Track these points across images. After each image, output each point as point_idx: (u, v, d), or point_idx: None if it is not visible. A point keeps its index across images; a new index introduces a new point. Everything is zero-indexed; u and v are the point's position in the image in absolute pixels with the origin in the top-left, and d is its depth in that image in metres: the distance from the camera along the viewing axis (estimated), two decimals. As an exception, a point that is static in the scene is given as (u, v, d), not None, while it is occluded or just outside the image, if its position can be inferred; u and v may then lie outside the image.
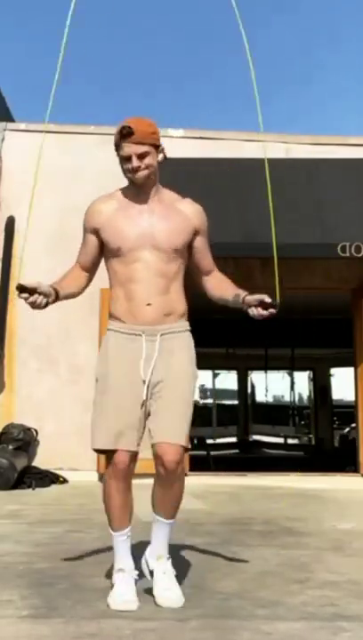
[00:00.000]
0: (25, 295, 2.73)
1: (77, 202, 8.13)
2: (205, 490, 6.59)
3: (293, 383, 23.23)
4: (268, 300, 2.84)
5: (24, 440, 7.28)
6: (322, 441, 18.40)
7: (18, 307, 7.86)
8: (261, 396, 26.47)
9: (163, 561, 2.85)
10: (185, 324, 2.95)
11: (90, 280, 3.04)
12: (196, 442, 11.89)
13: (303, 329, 14.03)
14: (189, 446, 2.89)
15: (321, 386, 19.53)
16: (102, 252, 2.98)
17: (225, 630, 2.44)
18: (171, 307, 2.89)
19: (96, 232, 2.96)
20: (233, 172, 6.94)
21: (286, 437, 23.93)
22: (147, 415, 2.83)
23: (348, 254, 6.98)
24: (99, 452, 2.88)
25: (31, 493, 6.58)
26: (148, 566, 2.90)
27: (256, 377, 23.57)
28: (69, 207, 7.87)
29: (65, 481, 7.26)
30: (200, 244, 3.02)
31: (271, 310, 2.82)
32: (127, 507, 2.87)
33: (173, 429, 2.79)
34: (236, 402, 22.05)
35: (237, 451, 18.37)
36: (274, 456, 17.39)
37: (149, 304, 2.84)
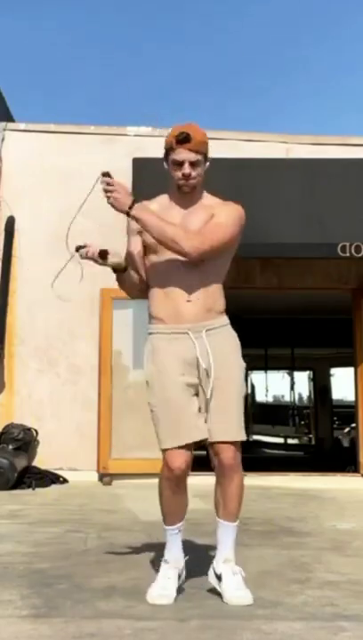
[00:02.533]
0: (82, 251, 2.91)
1: (77, 201, 8.20)
2: (206, 490, 6.55)
3: (293, 383, 23.26)
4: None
5: (24, 440, 7.28)
6: (322, 441, 18.41)
7: (18, 307, 7.86)
8: (261, 396, 26.48)
9: (231, 564, 2.88)
10: (226, 319, 2.98)
11: (143, 283, 3.04)
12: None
13: (303, 329, 14.04)
14: (245, 438, 2.95)
15: (321, 386, 19.54)
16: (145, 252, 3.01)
17: (225, 630, 2.44)
18: (211, 304, 2.91)
19: (140, 233, 2.98)
20: (232, 172, 6.94)
21: (286, 437, 23.94)
22: (201, 410, 2.86)
23: (348, 254, 6.99)
24: (164, 452, 2.88)
25: (31, 493, 6.58)
26: (214, 572, 2.91)
27: (256, 377, 23.59)
28: (69, 207, 7.86)
29: (65, 481, 7.25)
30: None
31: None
32: (181, 505, 2.92)
33: (229, 428, 2.86)
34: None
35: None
36: (274, 456, 17.39)
37: (188, 300, 2.87)
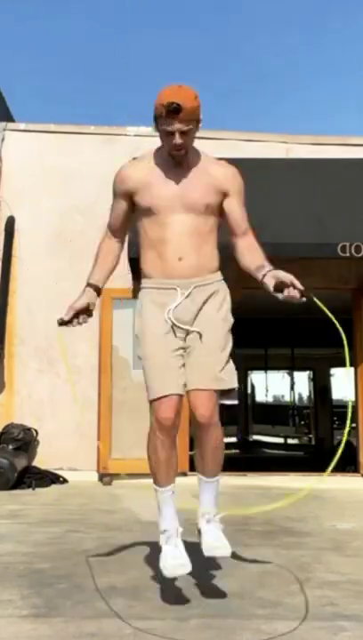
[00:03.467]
0: (72, 325, 2.95)
1: (77, 202, 8.22)
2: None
3: (293, 383, 23.23)
4: (298, 285, 2.81)
5: (24, 440, 7.28)
6: (322, 441, 18.40)
7: (18, 307, 7.86)
8: (261, 396, 26.46)
9: (209, 516, 2.84)
10: (219, 276, 2.97)
11: (122, 244, 3.11)
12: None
13: (303, 329, 14.03)
14: (233, 386, 2.91)
15: (321, 386, 19.52)
16: (131, 214, 3.02)
17: (225, 630, 2.45)
18: (203, 262, 2.90)
19: (128, 195, 2.97)
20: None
21: (286, 437, 23.92)
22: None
23: (348, 254, 6.98)
24: (152, 402, 2.85)
25: (31, 493, 6.58)
26: (198, 530, 2.88)
27: (256, 377, 23.57)
28: (69, 207, 7.88)
29: (65, 481, 7.26)
30: (231, 205, 2.99)
31: (302, 298, 2.82)
32: (172, 461, 2.86)
33: (204, 375, 2.82)
34: (236, 402, 22.04)
35: (237, 450, 18.38)
36: (274, 456, 17.39)
37: (180, 258, 2.86)
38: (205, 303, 2.88)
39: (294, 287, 2.82)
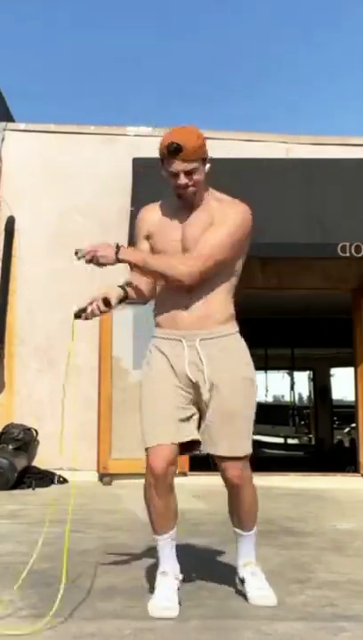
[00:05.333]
0: (84, 314, 2.85)
1: (77, 202, 8.22)
2: (205, 490, 6.57)
3: (293, 383, 23.25)
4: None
5: (24, 440, 7.28)
6: (322, 441, 18.40)
7: (18, 307, 7.86)
8: (261, 396, 26.45)
9: (251, 566, 2.87)
10: (229, 328, 2.84)
11: (154, 285, 2.93)
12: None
13: (303, 329, 14.04)
14: (251, 451, 2.82)
15: (321, 386, 19.53)
16: None
17: (225, 630, 2.44)
18: (209, 312, 2.79)
19: (146, 238, 2.93)
20: (232, 173, 6.94)
21: (286, 437, 23.92)
22: (197, 419, 2.79)
23: (348, 254, 6.98)
24: (146, 450, 2.78)
25: (31, 493, 6.58)
26: (238, 577, 2.91)
27: (256, 377, 23.55)
28: (69, 207, 7.88)
29: (65, 481, 7.25)
30: (208, 231, 2.79)
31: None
32: (169, 508, 2.79)
33: (233, 442, 2.75)
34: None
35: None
36: (274, 456, 17.38)
37: (185, 307, 2.78)
38: (218, 359, 2.76)
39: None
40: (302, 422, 26.39)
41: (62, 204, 7.94)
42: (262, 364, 18.27)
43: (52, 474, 7.25)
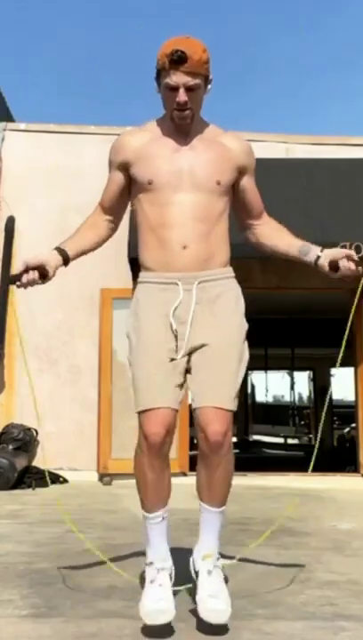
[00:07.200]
0: (19, 282, 2.62)
1: (77, 202, 8.21)
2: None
3: (293, 383, 23.23)
4: (354, 256, 2.53)
5: (24, 440, 7.28)
6: (322, 441, 18.41)
7: (18, 306, 7.86)
8: (261, 396, 26.46)
9: (210, 560, 2.45)
10: (229, 271, 2.59)
11: (114, 226, 2.69)
12: (195, 442, 11.89)
13: (303, 329, 14.04)
14: (235, 409, 2.48)
15: (321, 386, 19.54)
16: (129, 192, 2.63)
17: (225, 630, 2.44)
18: (211, 253, 2.50)
19: (124, 167, 2.60)
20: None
21: (286, 437, 23.93)
22: (185, 372, 2.48)
23: (348, 254, 6.98)
24: (139, 415, 2.48)
25: (31, 493, 6.58)
26: (194, 567, 2.53)
27: (256, 377, 23.57)
28: (69, 207, 7.87)
29: (65, 481, 7.25)
30: (248, 183, 2.65)
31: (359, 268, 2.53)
32: (163, 484, 2.47)
33: (220, 393, 2.42)
34: (236, 402, 22.03)
35: (237, 450, 18.39)
36: (274, 456, 17.39)
37: (184, 247, 2.45)
38: (213, 304, 2.50)
39: (350, 259, 2.54)
40: (302, 422, 26.40)
41: (62, 203, 7.94)
42: (262, 364, 18.27)
43: (53, 474, 7.25)
